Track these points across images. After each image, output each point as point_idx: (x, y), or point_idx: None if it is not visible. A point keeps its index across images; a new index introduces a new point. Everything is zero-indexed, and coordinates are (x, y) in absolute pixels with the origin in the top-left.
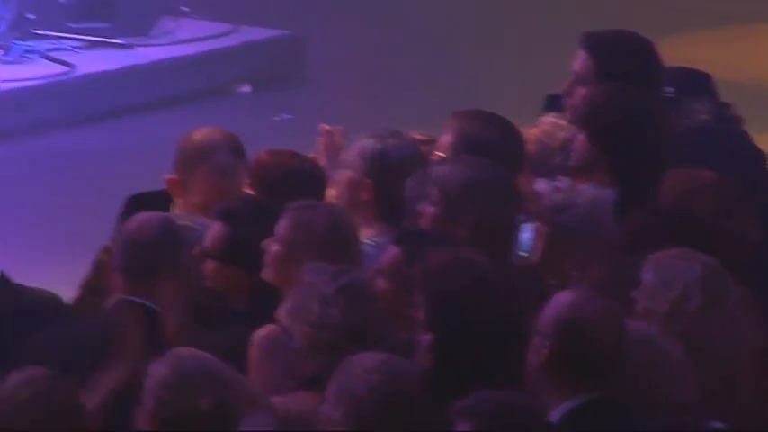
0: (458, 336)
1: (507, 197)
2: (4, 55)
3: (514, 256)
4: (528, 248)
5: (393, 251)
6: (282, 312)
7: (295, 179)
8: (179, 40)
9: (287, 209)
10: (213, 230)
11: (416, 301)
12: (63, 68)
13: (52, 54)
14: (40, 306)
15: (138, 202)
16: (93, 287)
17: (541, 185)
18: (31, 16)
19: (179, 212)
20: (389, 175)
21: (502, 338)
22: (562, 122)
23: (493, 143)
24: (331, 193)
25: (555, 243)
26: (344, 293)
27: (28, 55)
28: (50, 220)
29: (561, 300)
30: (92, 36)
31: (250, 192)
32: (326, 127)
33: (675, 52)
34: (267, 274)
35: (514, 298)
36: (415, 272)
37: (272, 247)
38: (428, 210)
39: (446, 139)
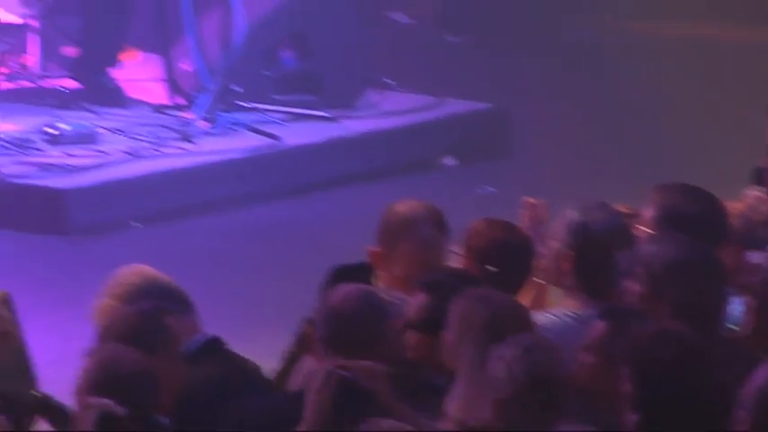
0: (664, 408)
1: (711, 276)
2: (210, 127)
3: (723, 329)
4: (738, 322)
5: (598, 326)
6: (455, 403)
7: (504, 250)
8: (384, 112)
9: (458, 296)
10: (416, 301)
11: (622, 375)
12: (269, 141)
13: (258, 126)
14: (246, 375)
15: (341, 274)
16: (296, 359)
17: (755, 258)
18: (237, 89)
19: (382, 285)
20: (591, 248)
21: (708, 412)
22: (766, 197)
23: (695, 217)
24: (537, 265)
25: (765, 316)
26: (530, 351)
27: (234, 127)
28: (255, 292)
29: (763, 373)
30: (297, 108)
31: (461, 256)
32: (530, 200)
33: None
34: (444, 357)
35: (721, 371)
36: (620, 346)
37: (446, 333)
38: (633, 287)
39: (648, 212)
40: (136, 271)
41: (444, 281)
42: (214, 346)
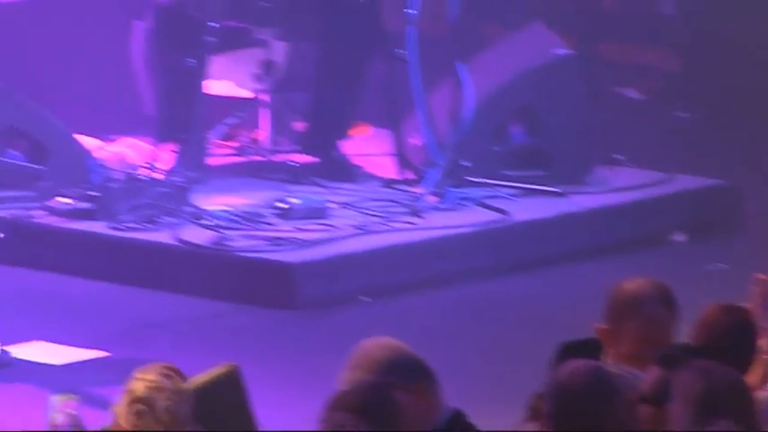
0: None
1: None
2: (439, 202)
3: None
4: None
5: None
6: None
7: (729, 331)
8: (613, 187)
9: (681, 368)
10: (651, 375)
11: None
12: (497, 216)
13: (487, 201)
14: None
15: (569, 350)
16: None
17: None
18: (466, 164)
19: (610, 362)
20: None
21: None
22: None
23: None
24: (763, 344)
25: None
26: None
27: (462, 202)
28: (483, 366)
29: None
30: (526, 183)
31: (691, 334)
32: (762, 276)
33: None
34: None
35: None
36: None
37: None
38: None
39: None
40: (381, 343)
41: (678, 355)
42: (458, 419)
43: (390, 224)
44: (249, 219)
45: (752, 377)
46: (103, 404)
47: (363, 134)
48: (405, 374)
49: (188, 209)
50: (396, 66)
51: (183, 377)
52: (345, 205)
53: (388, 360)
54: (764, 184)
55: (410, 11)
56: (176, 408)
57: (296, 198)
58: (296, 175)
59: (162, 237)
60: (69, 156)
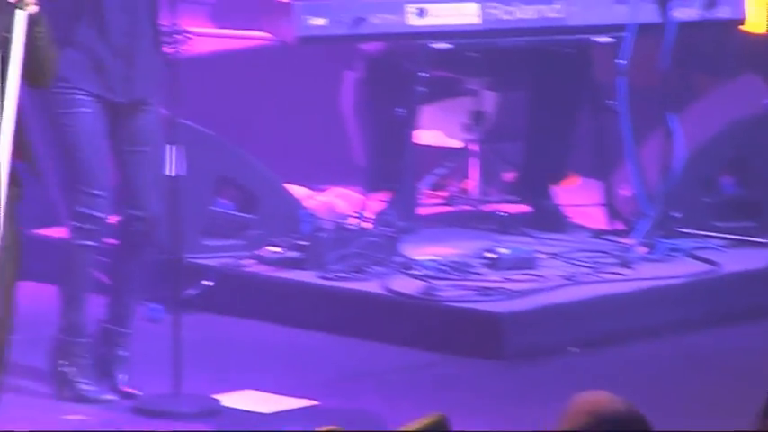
0: None
1: None
2: (649, 252)
3: None
4: None
5: None
6: None
7: None
8: None
9: None
10: None
11: None
12: (707, 267)
13: (696, 252)
14: None
15: None
16: None
17: None
18: (676, 215)
19: None
20: None
21: None
22: None
23: None
24: None
25: None
26: None
27: (672, 253)
28: (690, 418)
29: None
30: (737, 235)
31: None
32: None
33: None
34: None
35: None
36: None
37: None
38: None
39: None
40: (594, 398)
41: None
42: None
43: (599, 275)
44: (458, 268)
45: None
46: None
47: (572, 184)
48: (621, 429)
49: (397, 258)
50: (606, 116)
51: None
52: (554, 255)
53: (605, 414)
54: None
55: (620, 61)
56: None
57: (504, 248)
58: (505, 225)
59: (371, 286)
60: (279, 205)
